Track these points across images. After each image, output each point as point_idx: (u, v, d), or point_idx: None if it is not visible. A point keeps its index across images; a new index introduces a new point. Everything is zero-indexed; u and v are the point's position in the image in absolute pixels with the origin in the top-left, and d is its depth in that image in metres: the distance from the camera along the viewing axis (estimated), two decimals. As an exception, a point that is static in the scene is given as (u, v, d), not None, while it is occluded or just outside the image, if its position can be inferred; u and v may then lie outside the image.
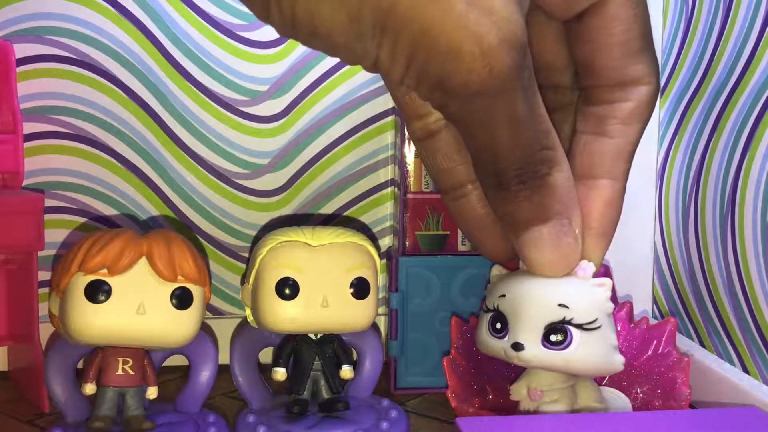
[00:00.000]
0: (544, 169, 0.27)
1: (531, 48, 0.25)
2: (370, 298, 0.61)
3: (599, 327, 0.52)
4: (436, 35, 0.23)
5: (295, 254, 0.59)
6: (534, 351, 0.52)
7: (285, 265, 0.58)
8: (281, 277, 0.58)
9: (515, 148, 0.26)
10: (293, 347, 0.61)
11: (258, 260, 0.60)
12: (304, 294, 0.58)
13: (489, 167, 0.27)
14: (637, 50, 0.29)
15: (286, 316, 0.58)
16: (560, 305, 0.52)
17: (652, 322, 0.63)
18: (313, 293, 0.58)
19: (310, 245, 0.60)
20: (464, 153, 0.29)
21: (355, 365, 0.64)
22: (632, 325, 0.63)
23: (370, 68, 0.25)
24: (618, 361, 0.54)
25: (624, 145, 0.31)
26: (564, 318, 0.51)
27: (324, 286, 0.59)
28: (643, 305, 0.79)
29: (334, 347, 0.61)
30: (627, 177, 0.31)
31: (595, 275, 0.42)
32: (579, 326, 0.52)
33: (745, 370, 0.65)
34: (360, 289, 0.60)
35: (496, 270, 0.59)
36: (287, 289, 0.58)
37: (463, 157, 0.29)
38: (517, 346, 0.52)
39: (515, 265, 0.47)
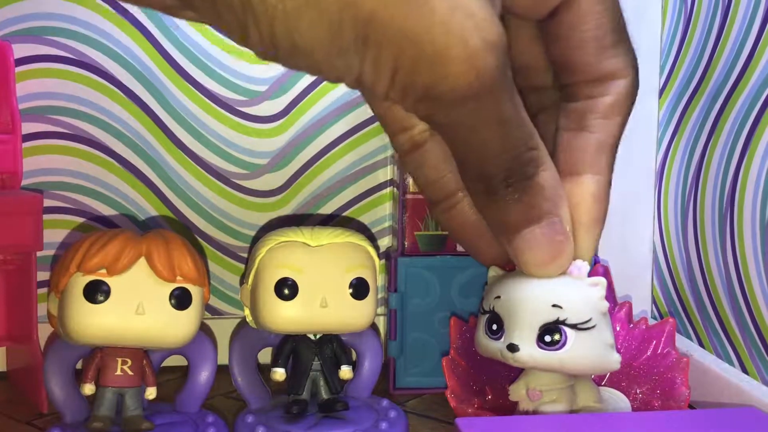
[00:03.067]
0: (531, 169, 0.27)
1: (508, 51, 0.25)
2: (369, 298, 0.61)
3: (594, 326, 0.53)
4: (421, 41, 0.23)
5: (294, 255, 0.59)
6: (529, 352, 0.52)
7: (284, 265, 0.58)
8: (280, 277, 0.58)
9: (503, 150, 0.26)
10: (292, 347, 0.61)
11: (257, 260, 0.60)
12: (303, 294, 0.58)
13: (477, 173, 0.27)
14: (611, 44, 0.29)
15: (285, 316, 0.58)
16: (554, 306, 0.52)
17: (652, 322, 0.63)
18: (312, 293, 0.58)
19: (309, 245, 0.60)
20: (452, 162, 0.29)
21: (354, 365, 0.64)
22: (631, 325, 0.63)
23: (353, 84, 0.25)
24: (614, 360, 0.54)
25: (606, 139, 0.30)
26: (558, 318, 0.52)
27: (323, 286, 0.59)
28: (642, 306, 0.79)
29: (333, 347, 0.61)
30: (612, 170, 0.31)
31: (590, 274, 0.42)
32: (573, 326, 0.52)
33: (744, 371, 0.65)
34: (359, 289, 0.60)
35: (493, 271, 0.59)
36: (286, 289, 0.58)
37: (451, 166, 0.29)
38: (513, 347, 0.53)
39: (514, 266, 0.47)
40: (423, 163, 0.29)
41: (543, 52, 0.30)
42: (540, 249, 0.30)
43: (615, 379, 0.62)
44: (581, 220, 0.31)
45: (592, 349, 0.53)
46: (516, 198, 0.28)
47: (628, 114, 0.31)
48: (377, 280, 0.63)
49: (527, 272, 0.32)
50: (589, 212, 0.31)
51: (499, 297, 0.55)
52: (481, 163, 0.27)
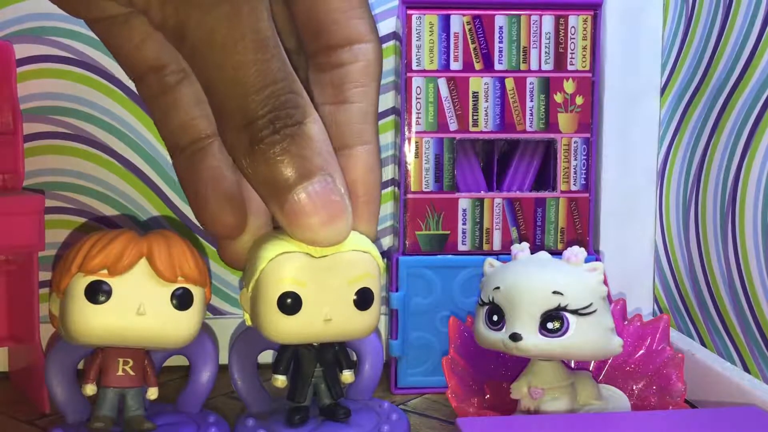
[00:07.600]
0: (298, 115, 0.25)
1: None
2: (374, 307, 0.60)
3: (594, 311, 0.53)
4: None
5: (298, 267, 0.58)
6: (532, 340, 0.53)
7: (287, 279, 0.57)
8: (283, 291, 0.57)
9: (264, 84, 0.25)
10: (293, 353, 0.60)
11: (258, 270, 0.59)
12: (307, 309, 0.57)
13: (239, 119, 0.25)
14: (357, 3, 0.28)
15: (288, 330, 0.57)
16: (554, 292, 0.53)
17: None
18: (316, 308, 0.57)
19: (312, 256, 0.59)
20: (203, 105, 0.28)
21: (356, 366, 0.63)
22: (626, 322, 0.63)
23: None
24: (616, 344, 0.55)
25: (368, 108, 0.29)
26: (559, 305, 0.52)
27: (327, 299, 0.58)
28: (644, 304, 0.79)
29: (335, 351, 0.61)
30: (378, 137, 0.30)
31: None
32: (574, 312, 0.52)
33: (746, 369, 0.65)
34: (363, 300, 0.60)
35: (488, 264, 0.59)
36: (289, 303, 0.57)
37: (201, 110, 0.28)
38: (515, 337, 0.53)
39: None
40: (172, 106, 0.28)
41: (288, 14, 0.28)
42: (316, 210, 0.27)
43: (611, 376, 0.62)
44: (359, 194, 0.29)
45: (594, 334, 0.53)
46: (285, 147, 0.25)
47: (380, 79, 0.30)
48: (381, 282, 0.62)
49: (304, 241, 0.29)
50: (366, 184, 0.30)
51: (498, 288, 0.55)
52: (242, 99, 0.25)
